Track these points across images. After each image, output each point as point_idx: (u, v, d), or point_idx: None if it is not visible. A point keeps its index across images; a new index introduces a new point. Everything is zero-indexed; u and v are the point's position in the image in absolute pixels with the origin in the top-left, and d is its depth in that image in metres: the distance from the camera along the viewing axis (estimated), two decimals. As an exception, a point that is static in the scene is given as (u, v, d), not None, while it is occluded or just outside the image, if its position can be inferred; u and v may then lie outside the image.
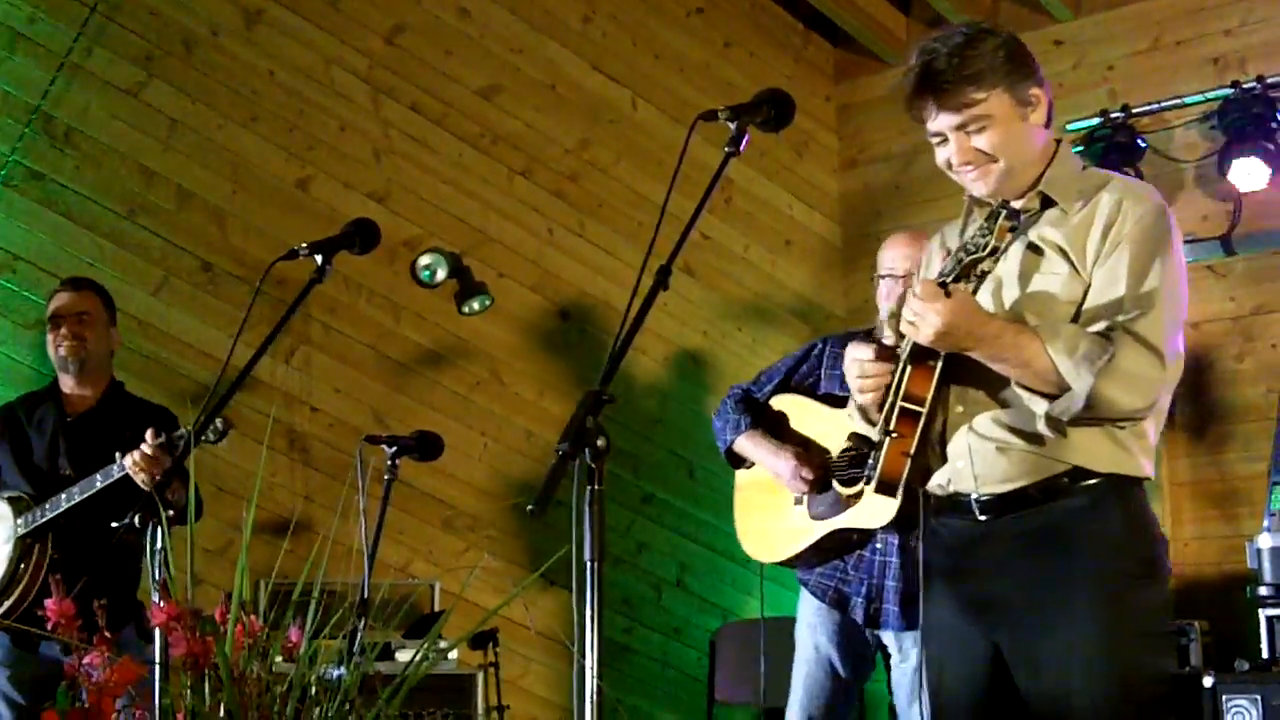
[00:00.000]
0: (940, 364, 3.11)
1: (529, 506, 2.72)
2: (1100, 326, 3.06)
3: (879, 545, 4.63)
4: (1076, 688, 3.06)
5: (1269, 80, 6.75)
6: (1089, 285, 3.10)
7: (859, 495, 4.52)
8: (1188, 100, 7.20)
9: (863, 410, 3.36)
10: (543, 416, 6.86)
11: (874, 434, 3.24)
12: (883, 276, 4.73)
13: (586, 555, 2.90)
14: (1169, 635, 3.14)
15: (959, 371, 3.15)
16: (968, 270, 3.04)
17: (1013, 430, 3.14)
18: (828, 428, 4.69)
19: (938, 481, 3.26)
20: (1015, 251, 3.18)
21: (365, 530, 4.53)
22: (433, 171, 6.66)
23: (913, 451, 3.11)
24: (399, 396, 6.45)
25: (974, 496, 3.20)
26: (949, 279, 3.02)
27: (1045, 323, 3.07)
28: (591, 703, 2.78)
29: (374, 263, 6.05)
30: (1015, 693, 3.15)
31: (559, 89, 7.16)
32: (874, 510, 4.44)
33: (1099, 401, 2.99)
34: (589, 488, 2.95)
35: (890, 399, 3.14)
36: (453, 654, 5.54)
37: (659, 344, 7.26)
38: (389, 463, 4.70)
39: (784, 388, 4.91)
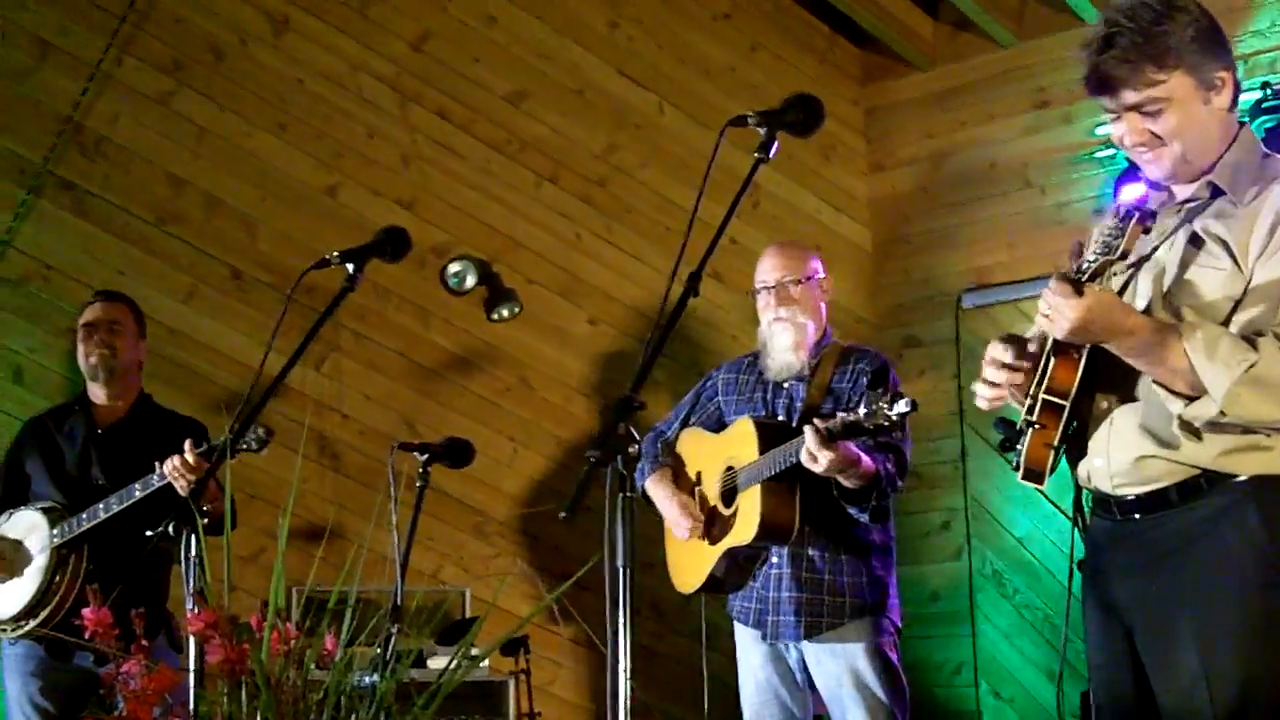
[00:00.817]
0: (1084, 356, 3.03)
1: (561, 513, 2.73)
2: (1251, 328, 2.90)
3: (774, 559, 4.58)
4: (1203, 697, 2.95)
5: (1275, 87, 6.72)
6: (1250, 282, 2.94)
7: (736, 513, 4.55)
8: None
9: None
10: (571, 422, 6.86)
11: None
12: (758, 291, 4.74)
13: (619, 561, 2.91)
14: None
15: (1105, 365, 3.03)
16: (1101, 271, 2.94)
17: (1152, 430, 3.02)
18: (715, 454, 4.69)
19: (1080, 476, 3.19)
20: (1179, 241, 3.04)
21: (397, 538, 4.53)
22: (460, 178, 6.67)
23: (1056, 443, 3.05)
24: (428, 403, 6.46)
25: (1113, 495, 3.12)
26: (1084, 278, 2.93)
27: (1190, 321, 2.93)
28: (625, 706, 2.78)
29: (403, 270, 6.05)
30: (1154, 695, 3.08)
31: (585, 94, 7.16)
32: (744, 525, 4.48)
33: (1235, 408, 2.84)
34: (620, 494, 2.96)
35: (1033, 390, 3.06)
36: (484, 660, 5.54)
37: (687, 349, 7.25)
38: (421, 470, 4.70)
39: (687, 422, 4.92)
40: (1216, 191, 3.04)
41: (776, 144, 3.18)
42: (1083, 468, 3.19)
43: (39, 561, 4.80)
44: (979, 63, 8.07)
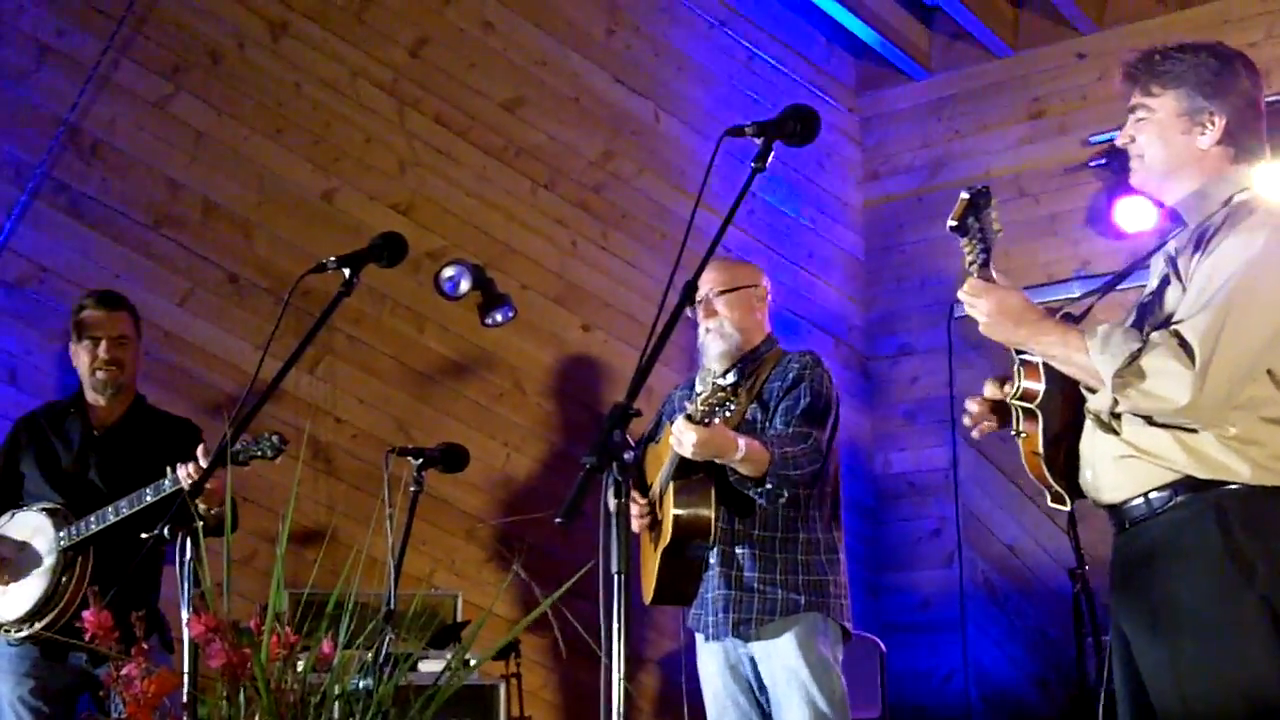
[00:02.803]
0: (1042, 360, 3.19)
1: (556, 519, 2.75)
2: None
3: (711, 559, 4.58)
4: (1173, 699, 3.06)
5: (1293, 93, 6.75)
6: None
7: (664, 517, 4.56)
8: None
9: None
10: (566, 428, 6.87)
11: None
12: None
13: (613, 567, 2.93)
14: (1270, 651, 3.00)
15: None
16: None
17: (1124, 439, 3.15)
18: (659, 462, 4.67)
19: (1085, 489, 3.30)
20: (1158, 265, 3.28)
21: (391, 542, 4.54)
22: (457, 183, 6.68)
23: (1040, 450, 3.19)
24: (422, 407, 6.47)
25: (1105, 506, 3.26)
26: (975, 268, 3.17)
27: (1102, 323, 3.12)
28: (619, 711, 2.80)
29: (398, 274, 6.06)
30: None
31: (582, 101, 7.18)
32: (665, 526, 4.46)
33: (1124, 397, 3.02)
34: (615, 500, 2.98)
35: (1009, 399, 3.24)
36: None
37: (682, 356, 7.26)
38: (415, 475, 4.71)
39: (651, 438, 4.90)
40: (1177, 218, 3.30)
41: (773, 154, 3.21)
42: (1081, 481, 3.28)
43: (45, 563, 4.78)
44: (974, 72, 8.11)
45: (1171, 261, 3.21)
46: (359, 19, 6.45)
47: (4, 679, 4.84)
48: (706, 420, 4.12)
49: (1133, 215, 7.31)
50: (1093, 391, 3.12)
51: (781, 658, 4.50)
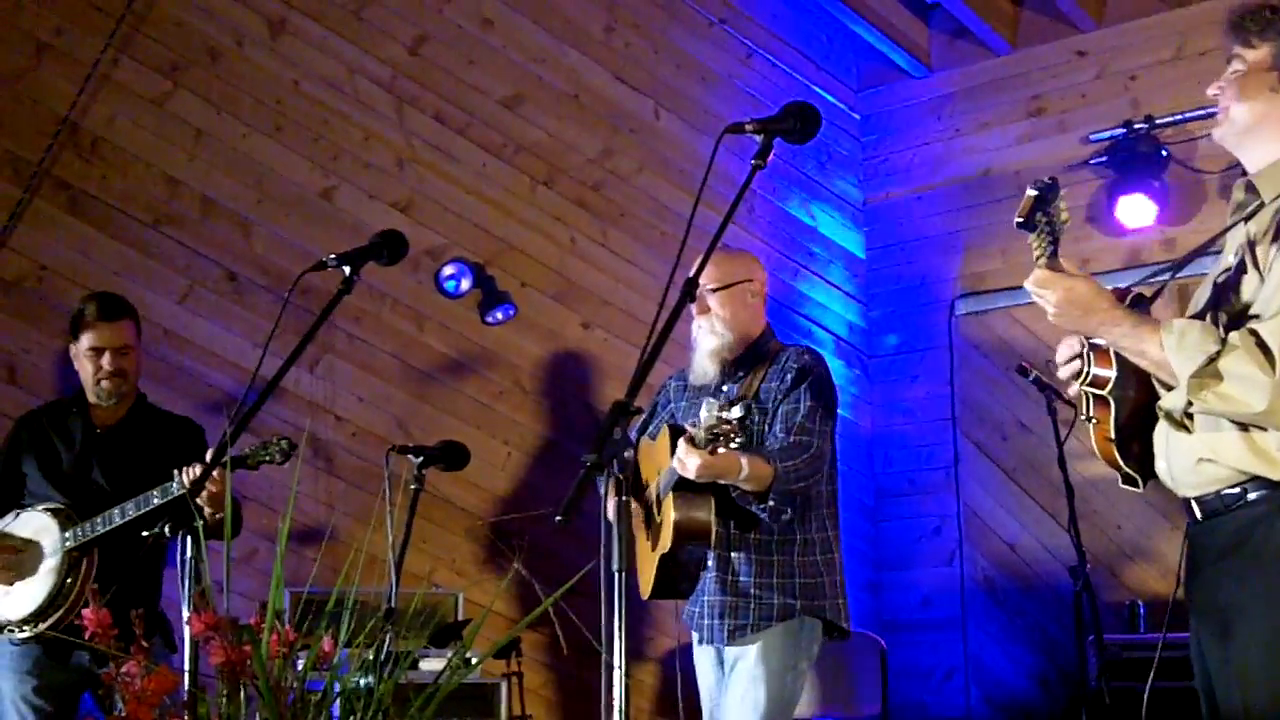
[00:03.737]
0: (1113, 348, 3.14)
1: (556, 517, 2.75)
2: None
3: (709, 562, 4.56)
4: (1237, 704, 3.02)
5: (1294, 90, 6.73)
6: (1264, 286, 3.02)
7: (662, 521, 4.53)
8: (1211, 111, 7.18)
9: None
10: (566, 426, 6.87)
11: None
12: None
13: (614, 565, 2.92)
14: None
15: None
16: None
17: (1208, 440, 3.07)
18: (654, 461, 4.66)
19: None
20: (1232, 240, 3.16)
21: (392, 540, 4.54)
22: (456, 181, 6.68)
23: (1112, 435, 3.14)
24: (422, 405, 6.47)
25: (1182, 498, 3.18)
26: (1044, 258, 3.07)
27: (1177, 318, 3.03)
28: (620, 709, 2.79)
29: (398, 272, 6.07)
30: None
31: (581, 99, 7.18)
32: (665, 532, 4.43)
33: (1199, 398, 2.93)
34: (616, 498, 2.97)
35: (1080, 386, 3.18)
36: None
37: (683, 354, 7.25)
38: (415, 473, 4.71)
39: (645, 430, 4.89)
40: (1253, 190, 3.15)
41: (773, 151, 3.20)
42: (1157, 469, 3.22)
43: (50, 563, 4.78)
44: (975, 70, 8.10)
45: (1250, 246, 3.08)
46: (358, 16, 6.45)
47: (7, 678, 4.84)
48: (710, 448, 4.10)
49: (1133, 213, 7.31)
50: (1165, 385, 3.05)
51: (745, 655, 4.49)
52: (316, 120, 6.30)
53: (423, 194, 6.57)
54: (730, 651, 4.54)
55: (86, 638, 2.43)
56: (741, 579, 4.50)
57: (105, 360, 4.96)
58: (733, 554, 4.51)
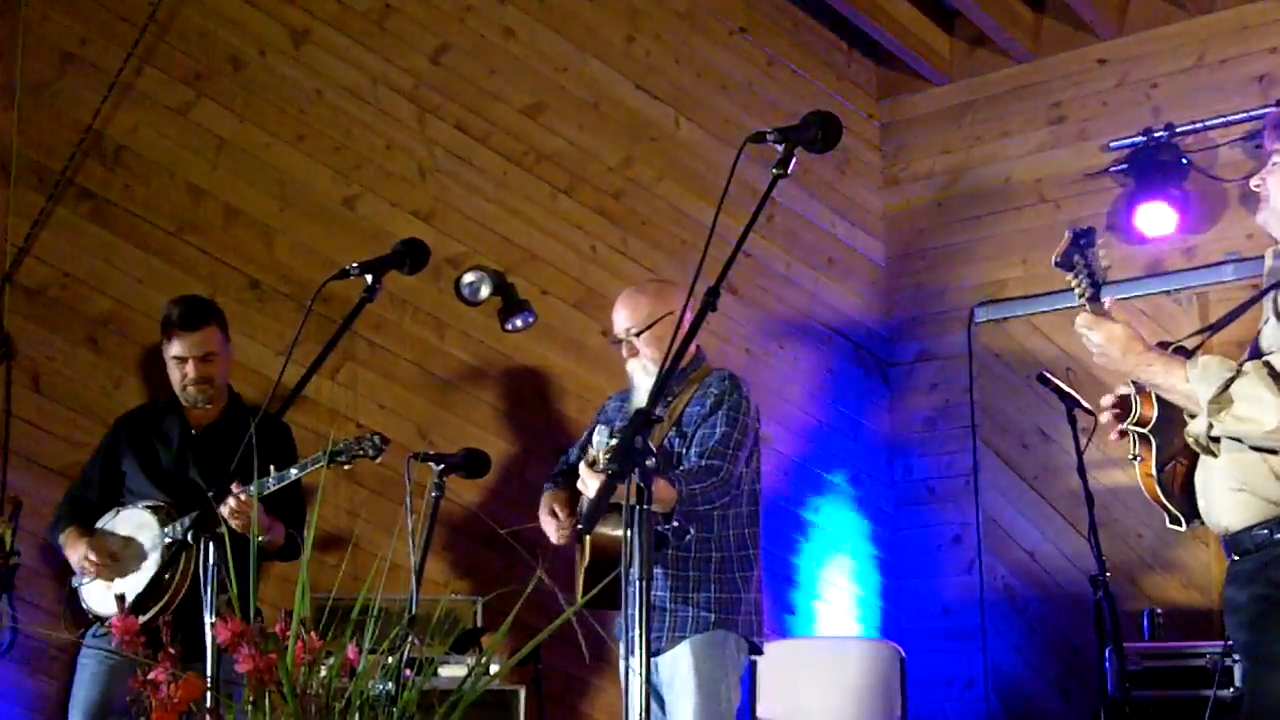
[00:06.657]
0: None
1: (578, 525, 2.76)
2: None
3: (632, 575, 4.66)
4: None
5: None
6: None
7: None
8: (1232, 118, 7.19)
9: None
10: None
11: None
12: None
13: (635, 573, 2.94)
14: None
15: None
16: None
17: (1238, 466, 3.31)
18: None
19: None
20: (1269, 305, 3.44)
21: (413, 548, 4.56)
22: (477, 190, 6.70)
23: (1154, 473, 3.39)
24: (443, 413, 6.48)
25: (1220, 536, 3.40)
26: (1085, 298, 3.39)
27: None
28: (640, 717, 2.80)
29: (419, 280, 6.06)
30: None
31: (602, 107, 7.19)
32: (586, 550, 4.66)
33: (1218, 419, 3.19)
34: (637, 506, 2.99)
35: (1125, 425, 3.44)
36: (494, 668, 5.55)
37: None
38: (436, 480, 4.73)
39: (584, 446, 4.96)
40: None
41: (795, 160, 3.21)
42: (1200, 508, 3.44)
43: (150, 559, 4.87)
44: (995, 78, 8.10)
45: (1275, 301, 3.39)
46: (380, 26, 6.47)
47: (80, 686, 4.89)
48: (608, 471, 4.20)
49: (1154, 220, 7.30)
50: (1194, 417, 3.28)
51: (678, 669, 4.61)
52: (339, 129, 6.32)
53: (444, 202, 6.59)
54: (663, 665, 4.64)
55: (114, 644, 2.45)
56: (658, 593, 4.62)
57: (189, 368, 5.08)
58: (654, 569, 4.60)
